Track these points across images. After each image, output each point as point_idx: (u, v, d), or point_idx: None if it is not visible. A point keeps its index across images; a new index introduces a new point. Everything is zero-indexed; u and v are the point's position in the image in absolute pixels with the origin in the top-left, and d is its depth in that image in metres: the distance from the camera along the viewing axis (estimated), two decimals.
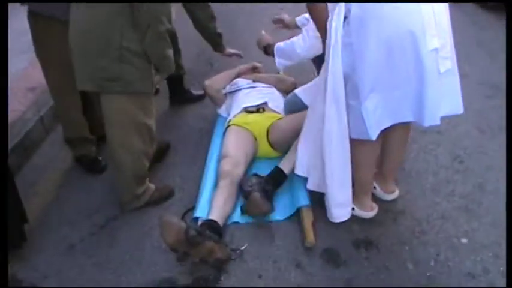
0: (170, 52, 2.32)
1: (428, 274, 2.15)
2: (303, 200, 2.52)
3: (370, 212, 2.51)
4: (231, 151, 2.76)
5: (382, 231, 2.40)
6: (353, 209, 2.45)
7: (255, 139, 2.92)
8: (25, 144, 3.16)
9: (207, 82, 3.47)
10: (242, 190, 2.57)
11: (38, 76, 3.16)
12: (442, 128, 3.09)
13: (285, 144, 2.82)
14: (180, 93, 3.72)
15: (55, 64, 2.66)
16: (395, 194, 2.60)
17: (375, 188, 2.59)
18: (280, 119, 2.99)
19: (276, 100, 3.22)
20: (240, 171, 2.67)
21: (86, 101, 2.88)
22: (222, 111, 3.42)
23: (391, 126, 2.15)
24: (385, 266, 2.21)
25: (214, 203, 2.47)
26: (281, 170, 2.65)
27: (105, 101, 2.36)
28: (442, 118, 3.15)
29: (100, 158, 3.06)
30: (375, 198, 2.56)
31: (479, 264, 2.18)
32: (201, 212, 2.49)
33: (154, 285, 2.20)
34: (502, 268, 2.15)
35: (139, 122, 2.41)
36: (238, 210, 2.56)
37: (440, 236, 2.35)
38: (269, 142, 2.89)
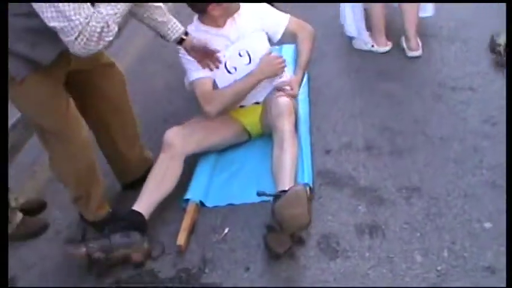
0: None
1: (438, 268, 1.85)
2: (301, 178, 2.24)
3: (385, 46, 3.21)
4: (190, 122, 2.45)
5: (392, 212, 2.10)
6: (372, 46, 3.22)
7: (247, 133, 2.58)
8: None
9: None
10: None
11: None
12: (475, 84, 2.66)
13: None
14: None
15: None
16: (419, 52, 3.10)
17: (403, 49, 3.18)
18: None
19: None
20: (188, 148, 2.34)
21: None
22: None
23: None
24: (389, 258, 1.92)
25: (144, 186, 2.22)
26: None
27: None
28: (477, 72, 2.74)
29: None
30: None
31: (503, 255, 1.83)
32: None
33: (136, 278, 2.05)
34: None
35: None
36: (235, 189, 2.34)
37: (460, 219, 2.01)
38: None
